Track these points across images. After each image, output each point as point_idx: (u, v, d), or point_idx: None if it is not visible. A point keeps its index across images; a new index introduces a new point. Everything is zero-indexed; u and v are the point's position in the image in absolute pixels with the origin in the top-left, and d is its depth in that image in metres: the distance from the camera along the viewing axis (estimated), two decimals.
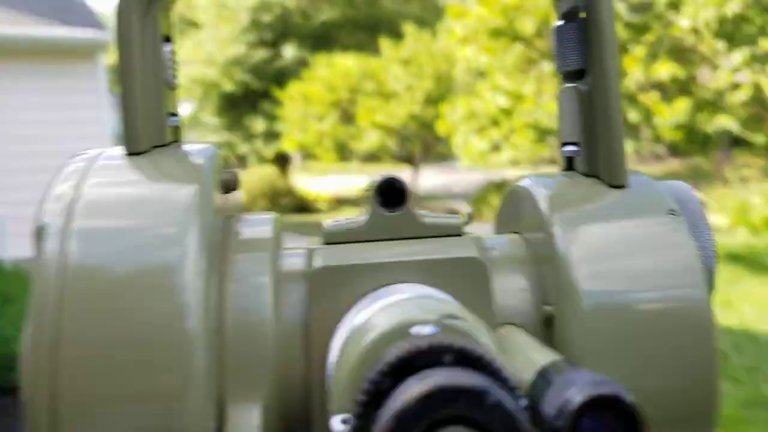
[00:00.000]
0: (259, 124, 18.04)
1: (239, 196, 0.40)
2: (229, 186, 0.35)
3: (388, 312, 0.29)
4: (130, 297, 0.29)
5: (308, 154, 16.67)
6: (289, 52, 19.75)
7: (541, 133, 6.82)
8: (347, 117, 15.61)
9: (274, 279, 0.33)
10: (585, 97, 0.36)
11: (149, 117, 0.34)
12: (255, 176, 16.61)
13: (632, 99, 6.77)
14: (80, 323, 0.29)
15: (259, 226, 0.36)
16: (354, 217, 0.36)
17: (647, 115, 6.57)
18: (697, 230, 0.35)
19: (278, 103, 16.87)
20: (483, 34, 7.23)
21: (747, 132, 7.12)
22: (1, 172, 8.65)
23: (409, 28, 15.99)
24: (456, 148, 7.93)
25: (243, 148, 19.25)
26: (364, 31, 20.91)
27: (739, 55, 6.63)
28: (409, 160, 18.18)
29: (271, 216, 0.37)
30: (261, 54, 18.32)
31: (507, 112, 6.96)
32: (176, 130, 0.38)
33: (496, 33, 7.11)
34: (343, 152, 15.64)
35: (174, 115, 0.39)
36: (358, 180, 27.08)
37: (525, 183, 0.38)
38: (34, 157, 8.94)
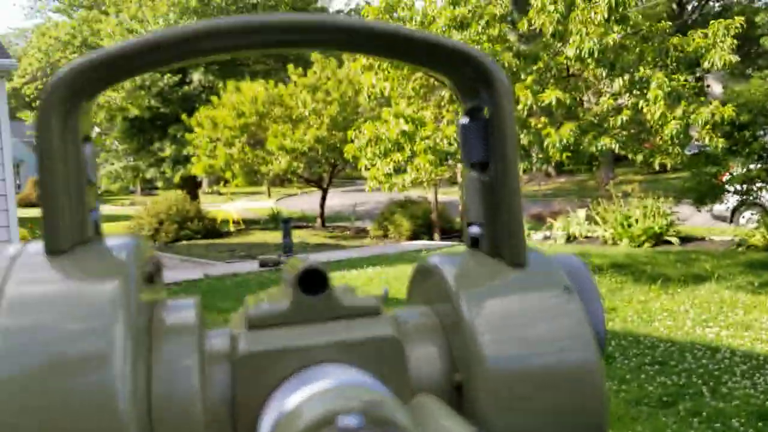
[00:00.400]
0: (167, 149, 17.78)
1: (163, 281, 0.42)
2: (153, 276, 0.36)
3: (314, 400, 0.30)
4: (60, 388, 0.29)
5: (218, 179, 16.53)
6: (197, 77, 19.61)
7: (441, 156, 7.18)
8: (256, 142, 15.66)
9: (199, 362, 0.34)
10: (488, 186, 0.39)
11: (71, 215, 0.35)
12: (163, 202, 16.34)
13: (524, 123, 7.21)
14: (7, 415, 0.29)
15: (182, 311, 0.36)
16: (276, 301, 0.37)
17: (537, 137, 7.03)
18: (589, 300, 0.38)
19: (186, 128, 16.71)
20: (385, 62, 7.56)
21: (628, 152, 7.69)
22: None
23: (316, 56, 16.28)
24: (362, 171, 8.16)
25: (150, 172, 18.88)
26: (272, 57, 21.04)
27: (619, 81, 7.18)
28: (317, 182, 18.37)
29: (193, 300, 0.38)
30: (168, 79, 18.11)
31: (409, 137, 7.28)
32: (96, 223, 0.39)
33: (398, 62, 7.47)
34: (253, 176, 15.63)
35: (94, 209, 0.39)
36: (267, 203, 26.92)
37: (434, 260, 0.40)
38: None
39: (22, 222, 12.12)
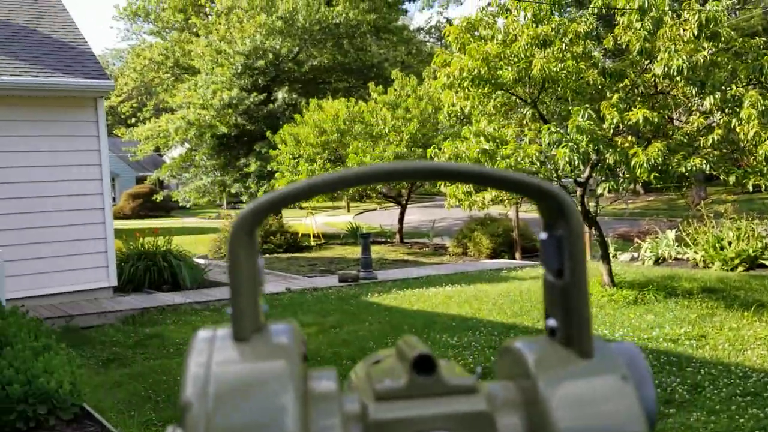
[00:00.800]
0: (252, 165, 18.35)
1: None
2: (305, 355, 0.47)
3: None
4: None
5: None
6: (281, 96, 20.19)
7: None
8: (337, 158, 15.95)
9: (341, 423, 0.43)
10: (562, 291, 0.47)
11: (250, 311, 0.45)
12: None
13: (609, 142, 7.06)
14: None
15: (325, 380, 0.46)
16: (395, 377, 0.47)
17: (624, 157, 6.87)
18: (643, 385, 0.46)
19: (271, 145, 17.20)
20: (466, 81, 7.57)
21: (719, 172, 7.41)
22: (1, 215, 8.88)
23: (396, 73, 16.48)
24: (441, 187, 8.18)
25: (235, 187, 19.51)
26: (353, 75, 21.43)
27: (710, 100, 6.94)
28: (395, 198, 18.50)
29: (333, 371, 0.48)
30: (254, 98, 18.73)
31: (490, 155, 7.26)
32: (264, 314, 0.50)
33: (479, 80, 7.46)
34: (333, 192, 15.90)
35: (264, 304, 0.49)
36: (346, 218, 27.25)
37: (518, 344, 0.49)
38: (40, 201, 9.20)
39: (117, 234, 12.76)
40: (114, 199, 41.17)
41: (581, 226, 0.47)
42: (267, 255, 15.80)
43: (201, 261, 13.32)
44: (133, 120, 21.60)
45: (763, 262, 10.18)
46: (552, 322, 0.50)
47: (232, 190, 19.72)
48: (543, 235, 0.50)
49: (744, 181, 7.17)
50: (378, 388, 0.45)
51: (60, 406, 4.13)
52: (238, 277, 0.45)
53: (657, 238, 12.14)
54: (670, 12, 7.23)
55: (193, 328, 7.81)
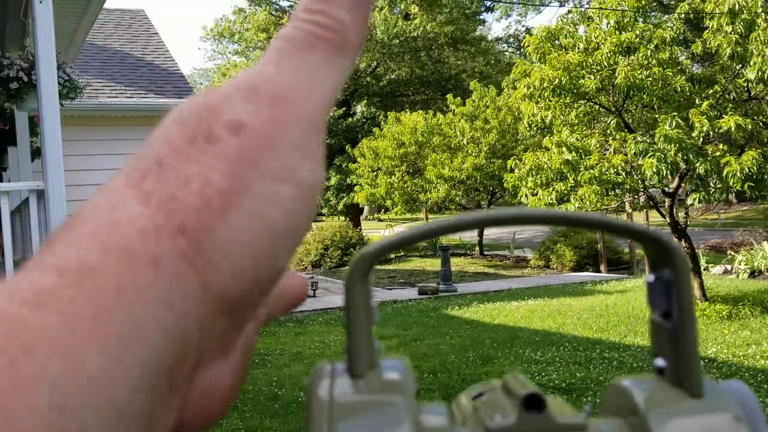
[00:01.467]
0: (332, 178, 18.65)
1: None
2: (417, 390, 0.42)
3: None
4: None
5: (379, 206, 17.07)
6: (359, 109, 20.47)
7: (607, 186, 6.93)
8: (415, 170, 16.00)
9: None
10: (671, 332, 0.45)
11: (365, 349, 0.44)
12: (328, 228, 17.11)
13: (699, 151, 6.79)
14: None
15: (437, 415, 0.43)
16: (505, 415, 0.44)
17: (715, 166, 6.59)
18: (756, 424, 0.40)
19: (350, 158, 17.44)
20: (547, 91, 7.46)
21: None
22: None
23: (474, 84, 16.42)
24: (522, 198, 8.07)
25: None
26: (431, 87, 21.49)
27: None
28: (475, 209, 18.36)
29: (442, 407, 0.44)
30: (333, 112, 19.07)
31: (573, 166, 7.11)
32: (378, 351, 0.61)
33: (560, 90, 7.34)
34: (412, 204, 15.96)
35: (377, 341, 0.60)
36: None
37: (626, 382, 0.44)
38: None
39: None
40: None
41: (689, 271, 0.49)
42: (347, 267, 15.97)
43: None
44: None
45: None
46: (660, 362, 0.44)
47: None
48: (650, 278, 0.52)
49: None
50: (491, 426, 0.45)
51: None
52: (355, 315, 0.50)
53: (752, 249, 11.56)
54: (763, 14, 6.91)
55: (278, 339, 7.99)
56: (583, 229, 0.52)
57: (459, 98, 16.54)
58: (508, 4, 31.19)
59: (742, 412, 0.41)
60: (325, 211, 19.98)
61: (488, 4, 27.92)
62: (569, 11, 8.47)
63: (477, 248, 17.77)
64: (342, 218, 18.39)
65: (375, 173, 16.07)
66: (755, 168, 6.32)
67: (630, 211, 13.46)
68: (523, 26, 34.73)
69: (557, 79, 7.37)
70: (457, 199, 16.17)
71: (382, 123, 16.84)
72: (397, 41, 19.75)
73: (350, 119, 19.84)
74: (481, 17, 26.96)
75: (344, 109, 20.05)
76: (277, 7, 28.73)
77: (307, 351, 7.18)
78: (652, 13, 20.04)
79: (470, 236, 19.37)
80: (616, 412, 0.45)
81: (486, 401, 0.53)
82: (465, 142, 15.16)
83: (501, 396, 0.54)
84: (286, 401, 5.29)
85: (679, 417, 0.41)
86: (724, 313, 7.50)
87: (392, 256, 17.72)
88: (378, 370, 0.51)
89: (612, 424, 0.51)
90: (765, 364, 5.62)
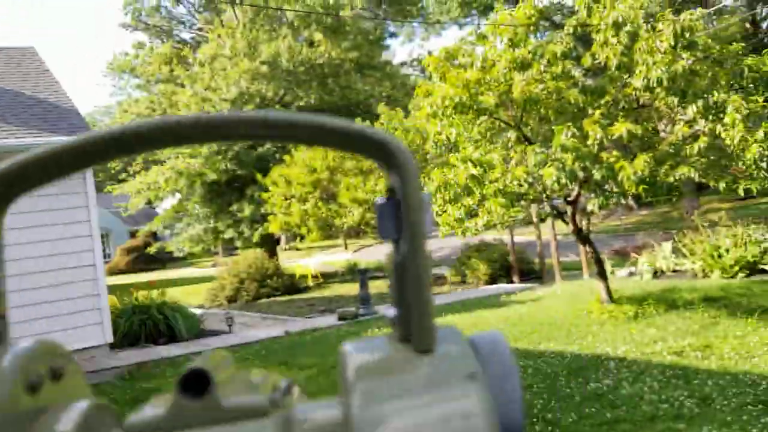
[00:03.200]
0: (245, 210, 18.30)
1: (79, 375, 0.42)
2: (56, 372, 0.38)
3: None
4: None
5: (295, 235, 16.85)
6: None
7: (512, 198, 7.08)
8: (329, 195, 15.93)
9: None
10: (399, 266, 0.39)
11: None
12: (243, 261, 16.74)
13: (595, 158, 7.03)
14: None
15: (64, 419, 0.38)
16: (158, 405, 0.37)
17: (610, 171, 6.83)
18: (506, 380, 0.38)
19: (262, 188, 17.19)
20: (449, 108, 7.58)
21: (709, 179, 7.37)
22: None
23: (381, 107, 16.56)
24: (434, 216, 8.12)
25: (229, 233, 19.45)
26: (341, 113, 21.56)
27: (693, 108, 6.93)
28: None
29: (86, 403, 0.40)
30: (243, 142, 18.77)
31: (478, 180, 7.22)
32: (6, 328, 0.42)
33: (461, 107, 7.47)
34: (328, 229, 15.84)
35: (2, 317, 0.43)
36: (344, 255, 27.14)
37: (346, 347, 0.40)
38: (33, 262, 9.11)
39: (113, 289, 12.65)
40: (108, 255, 41.01)
41: (414, 178, 0.39)
42: (265, 299, 15.65)
43: (198, 311, 13.19)
44: (124, 175, 21.60)
45: (764, 267, 10.10)
46: (390, 312, 0.41)
47: (226, 236, 19.64)
48: (380, 200, 0.42)
49: (735, 186, 7.13)
50: (129, 421, 0.36)
51: None
52: None
53: (653, 251, 12.07)
54: (645, 25, 7.27)
55: None
56: (304, 141, 0.41)
57: (368, 122, 16.63)
58: (410, 29, 31.84)
59: (490, 365, 0.37)
60: (239, 243, 19.55)
61: (391, 30, 28.42)
62: (468, 33, 8.68)
63: None
64: (258, 250, 18.04)
65: (288, 201, 15.88)
66: (647, 171, 6.59)
67: (536, 221, 13.83)
68: (425, 50, 35.52)
69: (458, 97, 7.50)
70: (373, 222, 16.17)
71: (293, 150, 16.71)
72: (303, 69, 19.74)
73: (261, 148, 19.59)
74: (385, 42, 27.38)
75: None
76: (179, 39, 28.24)
77: None
78: (546, 33, 20.89)
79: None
80: (341, 384, 0.39)
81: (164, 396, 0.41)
82: (377, 165, 15.19)
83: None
84: None
85: (390, 390, 0.35)
86: (630, 313, 7.75)
87: (311, 284, 17.50)
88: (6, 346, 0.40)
89: (317, 408, 0.39)
90: (672, 360, 5.82)
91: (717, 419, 4.33)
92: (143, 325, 10.54)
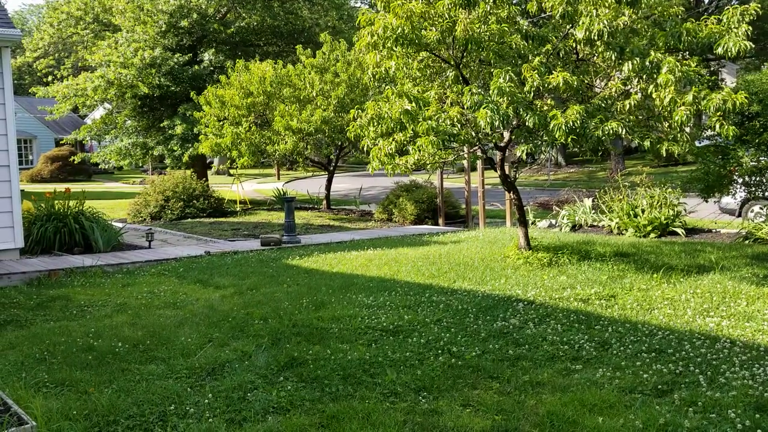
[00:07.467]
0: (177, 127, 17.71)
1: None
2: None
3: None
4: None
5: (228, 159, 16.47)
6: (207, 57, 19.51)
7: (443, 138, 7.04)
8: (263, 121, 15.57)
9: None
10: None
11: None
12: (170, 179, 16.31)
13: (529, 105, 7.06)
14: None
15: None
16: None
17: (543, 119, 6.87)
18: None
19: (196, 107, 16.64)
20: (390, 40, 7.41)
21: (635, 137, 7.53)
22: None
23: (325, 36, 16.15)
24: (365, 151, 8.04)
25: (158, 149, 18.85)
26: (283, 39, 20.91)
27: (629, 65, 6.99)
28: (324, 164, 18.28)
29: None
30: (178, 58, 18.02)
31: (412, 116, 7.15)
32: None
33: (402, 40, 7.32)
34: (260, 156, 15.54)
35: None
36: (276, 185, 26.87)
37: None
38: None
39: (28, 195, 12.12)
40: (31, 161, 39.25)
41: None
42: (189, 219, 15.37)
43: (119, 224, 12.84)
44: (50, 78, 20.45)
45: (674, 229, 10.54)
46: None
47: (155, 153, 19.04)
48: None
49: (658, 146, 7.31)
50: None
51: None
52: None
53: (575, 206, 12.40)
54: None
55: (102, 290, 7.49)
56: None
57: (309, 50, 16.21)
58: None
59: None
60: (168, 161, 19.01)
61: None
62: None
63: (324, 203, 17.74)
64: (186, 170, 17.60)
65: (221, 123, 15.45)
66: (579, 122, 6.67)
67: (467, 168, 13.95)
68: None
69: (400, 28, 7.33)
70: (306, 152, 15.97)
71: (230, 71, 16.17)
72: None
73: (197, 67, 18.87)
74: None
75: (191, 55, 19.02)
76: None
77: (133, 302, 6.80)
78: None
79: (319, 191, 19.25)
80: None
81: None
82: (314, 94, 14.92)
83: None
84: (102, 352, 4.96)
85: None
86: (545, 260, 7.97)
87: (239, 209, 17.28)
88: None
89: None
90: (578, 306, 6.03)
91: (612, 363, 4.52)
92: (58, 233, 10.20)
